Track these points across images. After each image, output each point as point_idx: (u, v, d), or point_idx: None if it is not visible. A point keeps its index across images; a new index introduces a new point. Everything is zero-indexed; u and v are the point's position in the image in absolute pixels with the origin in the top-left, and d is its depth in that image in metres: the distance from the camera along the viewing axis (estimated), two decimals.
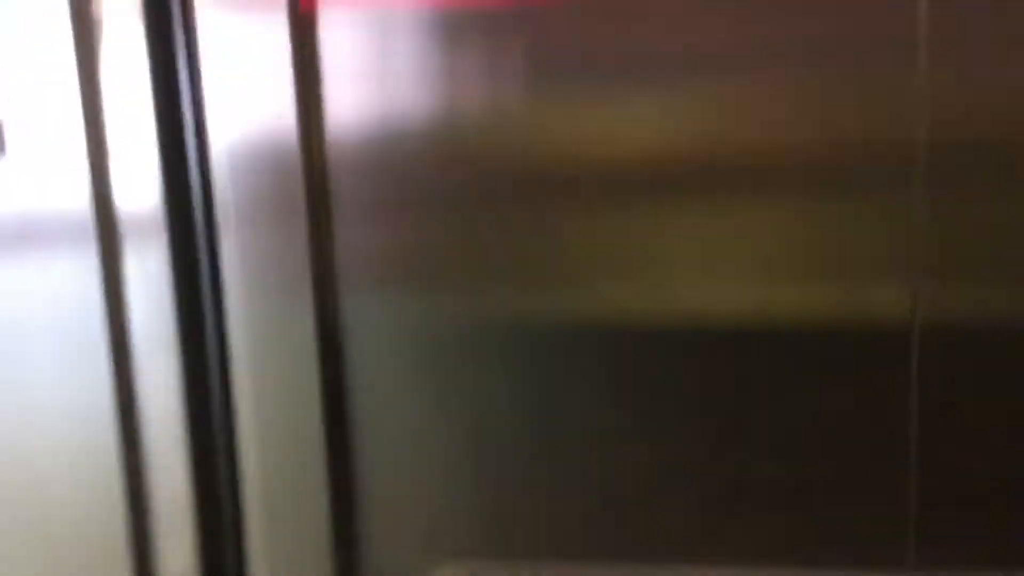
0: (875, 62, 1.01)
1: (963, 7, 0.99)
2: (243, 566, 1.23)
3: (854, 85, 1.02)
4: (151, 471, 1.19)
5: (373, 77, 1.09)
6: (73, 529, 1.21)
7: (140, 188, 1.14)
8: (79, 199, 1.14)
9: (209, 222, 1.15)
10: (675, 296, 1.09)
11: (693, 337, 1.09)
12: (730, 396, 1.09)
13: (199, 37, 1.10)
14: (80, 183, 1.14)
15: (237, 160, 1.12)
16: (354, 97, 1.10)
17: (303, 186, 1.11)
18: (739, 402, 1.09)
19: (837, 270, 1.05)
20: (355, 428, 1.16)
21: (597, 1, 1.05)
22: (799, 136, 1.04)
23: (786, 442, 1.09)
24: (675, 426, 1.11)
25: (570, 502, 1.14)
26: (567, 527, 1.15)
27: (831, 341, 1.07)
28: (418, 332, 1.14)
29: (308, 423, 1.15)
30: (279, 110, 1.10)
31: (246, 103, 1.11)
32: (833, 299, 1.06)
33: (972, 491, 1.07)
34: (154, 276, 1.15)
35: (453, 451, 1.15)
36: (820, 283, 1.06)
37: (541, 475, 1.14)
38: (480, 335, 1.13)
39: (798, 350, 1.07)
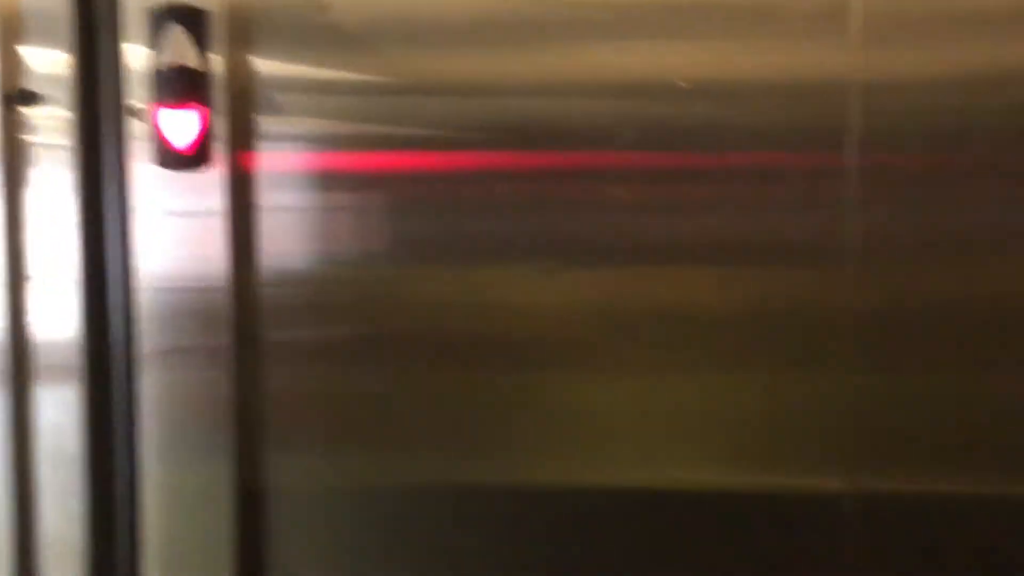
0: (804, 247, 1.01)
1: (889, 187, 0.99)
2: None
3: (779, 263, 1.01)
4: None
5: (307, 227, 1.06)
6: None
7: (58, 325, 1.08)
8: None
9: (128, 364, 1.09)
10: (604, 465, 1.05)
11: (622, 505, 1.05)
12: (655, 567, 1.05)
13: (131, 176, 1.07)
14: None
15: (162, 301, 1.07)
16: (288, 245, 1.06)
17: (231, 329, 1.06)
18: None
19: (769, 446, 1.03)
20: None
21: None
22: (722, 311, 1.02)
23: None
24: None
25: None
26: None
27: (767, 514, 1.04)
28: (343, 490, 1.08)
29: None
30: (209, 252, 1.06)
31: (175, 245, 1.06)
32: (766, 474, 1.03)
33: None
34: (66, 420, 1.08)
35: None
36: (753, 457, 1.04)
37: None
38: (410, 496, 1.07)
39: (730, 526, 1.04)
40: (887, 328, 1.00)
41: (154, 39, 0.98)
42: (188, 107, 0.98)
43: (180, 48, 0.96)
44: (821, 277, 1.01)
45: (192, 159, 0.99)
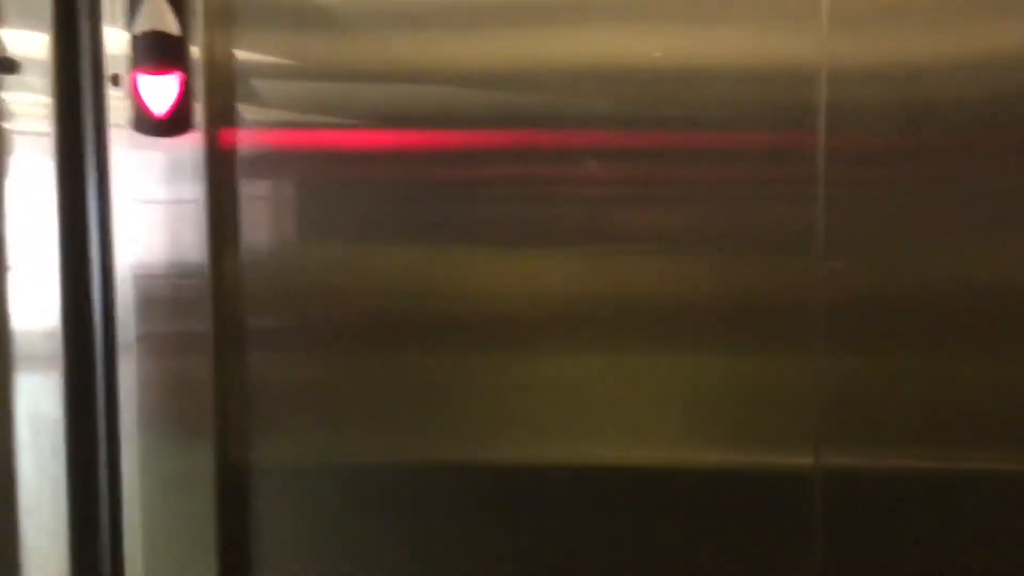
0: (772, 229, 1.01)
1: (857, 170, 1.00)
2: None
3: (747, 244, 1.02)
4: None
5: (287, 212, 1.06)
6: None
7: (40, 314, 1.07)
8: None
9: (109, 351, 1.08)
10: (581, 444, 1.05)
11: (600, 483, 1.05)
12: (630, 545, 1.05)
13: (111, 163, 1.06)
14: None
15: (143, 287, 1.06)
16: (268, 230, 1.06)
17: (212, 316, 1.06)
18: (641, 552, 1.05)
19: (738, 425, 1.04)
20: None
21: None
22: (701, 295, 1.03)
23: None
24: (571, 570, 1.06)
25: None
26: None
27: (736, 489, 1.04)
28: (324, 471, 1.07)
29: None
30: (191, 238, 1.05)
31: (156, 230, 1.05)
32: (735, 452, 1.04)
33: None
34: (46, 408, 1.07)
35: None
36: (723, 436, 1.04)
37: None
38: (392, 475, 1.06)
39: (700, 503, 1.04)
40: (855, 308, 1.01)
41: (132, 6, 0.98)
42: (166, 72, 0.98)
43: (158, 13, 0.96)
44: (789, 259, 1.01)
45: (171, 125, 0.99)
